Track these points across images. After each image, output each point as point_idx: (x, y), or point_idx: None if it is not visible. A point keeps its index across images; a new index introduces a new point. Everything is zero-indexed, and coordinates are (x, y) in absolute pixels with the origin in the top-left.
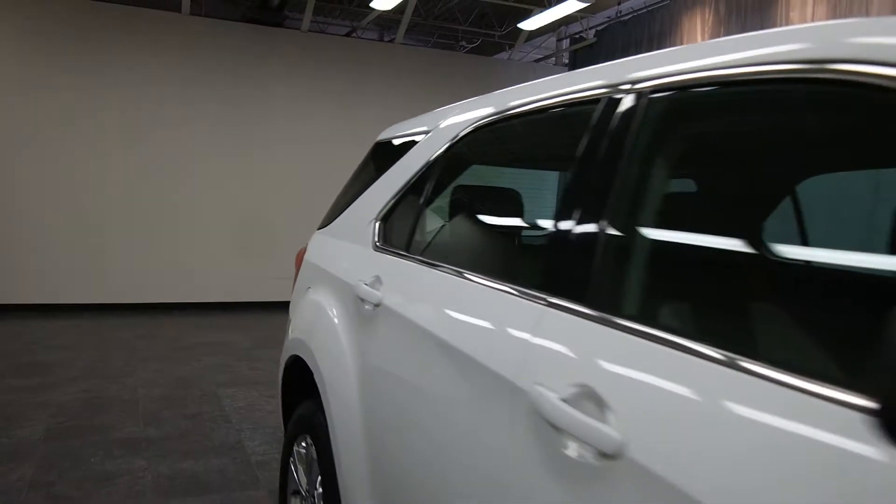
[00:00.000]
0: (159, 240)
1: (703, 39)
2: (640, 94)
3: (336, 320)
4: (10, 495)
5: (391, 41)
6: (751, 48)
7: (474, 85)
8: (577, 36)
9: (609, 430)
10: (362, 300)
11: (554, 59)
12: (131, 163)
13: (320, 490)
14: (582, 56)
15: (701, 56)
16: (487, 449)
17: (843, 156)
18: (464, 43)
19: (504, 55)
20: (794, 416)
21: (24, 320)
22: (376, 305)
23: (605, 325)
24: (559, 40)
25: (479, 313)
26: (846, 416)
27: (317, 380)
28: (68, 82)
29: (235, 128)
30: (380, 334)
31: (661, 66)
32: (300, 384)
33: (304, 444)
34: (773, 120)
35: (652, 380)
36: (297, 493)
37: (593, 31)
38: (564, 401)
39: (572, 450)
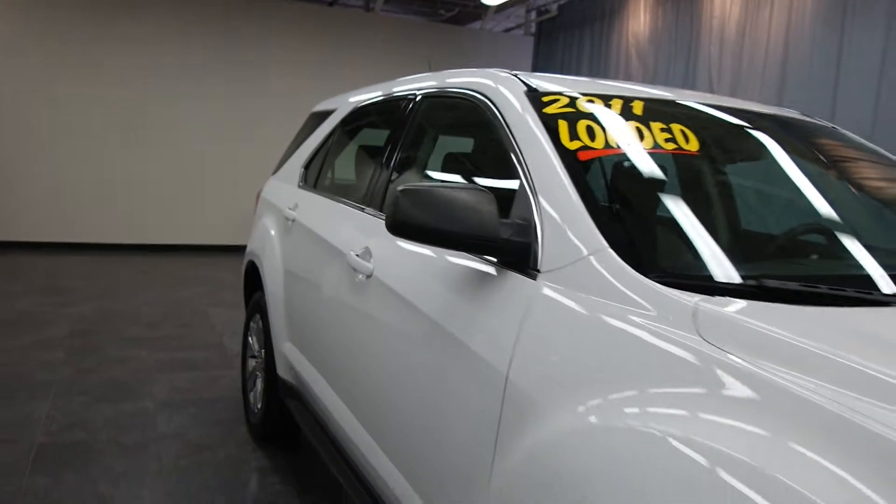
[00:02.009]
0: (157, 187)
1: (643, 19)
2: (425, 96)
3: (273, 234)
4: (50, 368)
5: (373, 10)
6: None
7: (447, 53)
8: (543, 8)
9: (370, 265)
10: (286, 219)
11: (522, 29)
12: (134, 115)
13: (262, 353)
14: (546, 27)
15: (433, 80)
16: (333, 283)
17: (457, 130)
18: (442, 11)
19: (477, 24)
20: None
21: (41, 255)
22: (293, 221)
23: (378, 218)
24: (528, 11)
25: (340, 220)
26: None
27: (261, 275)
28: (61, 33)
29: (227, 88)
30: (294, 239)
31: (428, 81)
32: (254, 281)
33: (255, 321)
34: (442, 112)
35: (385, 242)
36: (253, 357)
37: (556, 4)
38: (357, 255)
39: (358, 276)
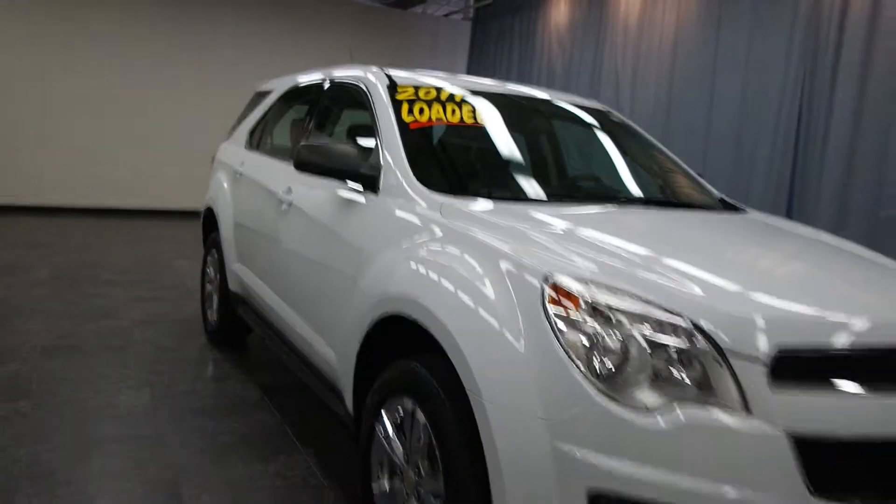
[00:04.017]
0: (119, 154)
1: (563, 9)
2: (330, 83)
3: (226, 185)
4: (38, 301)
5: None
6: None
7: (388, 36)
8: None
9: (291, 197)
10: (236, 172)
11: (462, 14)
12: (105, 84)
13: (217, 277)
14: (483, 13)
15: (337, 71)
16: (267, 213)
17: (349, 107)
18: None
19: (419, 8)
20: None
21: (17, 217)
22: (241, 174)
23: (289, 165)
24: None
25: (273, 171)
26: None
27: (217, 216)
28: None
29: (185, 66)
30: (241, 187)
31: (334, 72)
32: (211, 223)
33: (212, 254)
34: (340, 95)
35: (300, 182)
36: (210, 282)
37: None
38: (284, 193)
39: (283, 206)
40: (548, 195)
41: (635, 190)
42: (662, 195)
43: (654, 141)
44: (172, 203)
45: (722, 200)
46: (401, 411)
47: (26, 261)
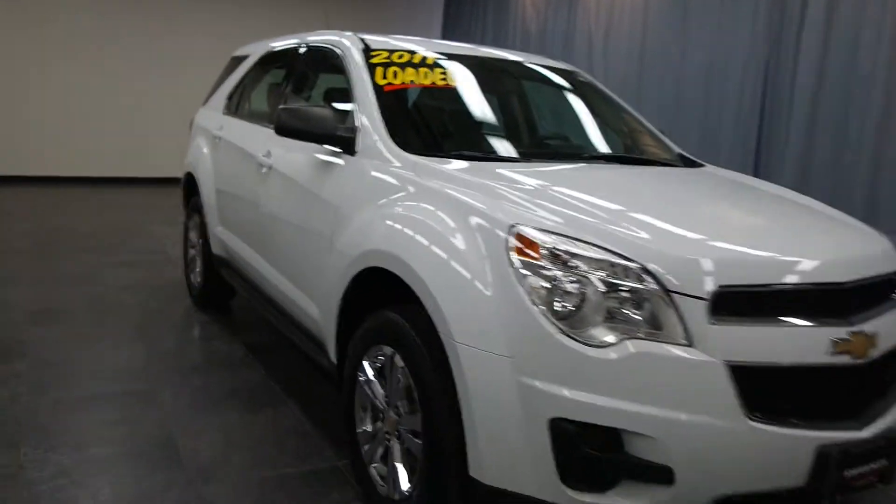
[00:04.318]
0: (97, 122)
1: None
2: (306, 48)
3: (205, 150)
4: (18, 269)
5: None
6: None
7: (364, 2)
8: None
9: (271, 161)
10: (215, 137)
11: None
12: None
13: (200, 241)
14: None
15: (313, 35)
16: (248, 177)
17: (326, 71)
18: None
19: None
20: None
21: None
22: (220, 139)
23: (269, 128)
24: None
25: (253, 135)
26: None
27: (197, 181)
28: None
29: (159, 22)
30: (220, 151)
31: (310, 36)
32: (191, 188)
33: (193, 219)
34: (317, 59)
35: (279, 145)
36: (192, 247)
37: None
38: (262, 156)
39: (263, 169)
40: (517, 153)
41: (600, 147)
42: (626, 152)
43: (620, 101)
44: (149, 171)
45: (682, 156)
46: (381, 358)
47: (4, 230)
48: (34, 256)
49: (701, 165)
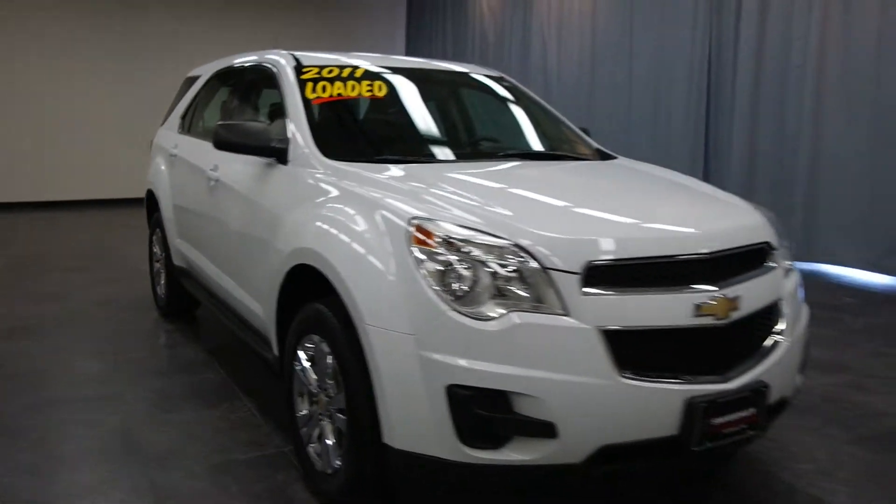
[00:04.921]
0: (68, 147)
1: None
2: (248, 67)
3: (163, 168)
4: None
5: None
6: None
7: (327, 17)
8: None
9: (217, 174)
10: (171, 155)
11: None
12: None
13: (163, 254)
14: None
15: (241, 58)
16: (200, 190)
17: (266, 87)
18: None
19: None
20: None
21: None
22: (175, 156)
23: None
24: None
25: (203, 151)
26: None
27: (157, 197)
28: None
29: (120, 44)
30: (176, 168)
31: (254, 57)
32: (153, 204)
33: (156, 233)
34: (258, 77)
35: (224, 160)
36: (157, 260)
37: None
38: (210, 170)
39: (211, 182)
40: (433, 156)
41: (518, 146)
42: (545, 150)
43: (543, 103)
44: (119, 192)
45: (599, 151)
46: (311, 346)
47: None
48: (9, 278)
49: (613, 158)
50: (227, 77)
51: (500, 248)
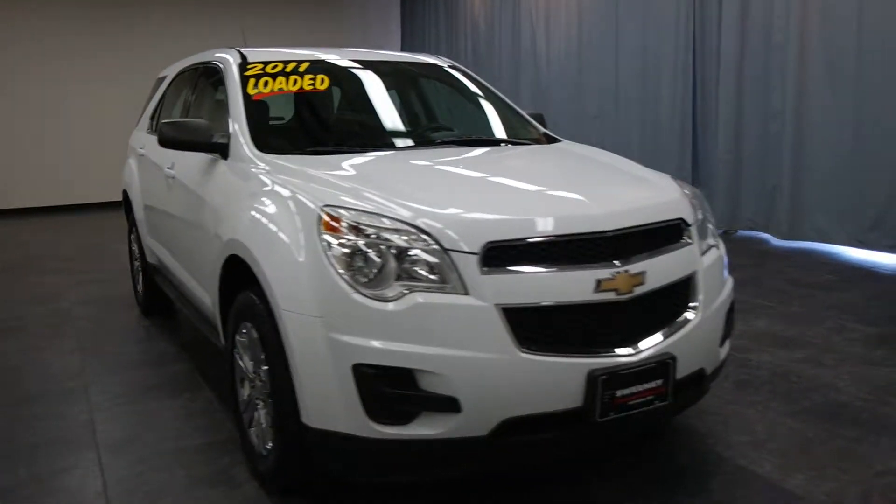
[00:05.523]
0: (57, 151)
1: None
2: (203, 65)
3: (134, 168)
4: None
5: None
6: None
7: (322, 16)
8: None
9: (174, 171)
10: (140, 155)
11: None
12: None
13: (137, 247)
14: None
15: (199, 57)
16: (161, 187)
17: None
18: None
19: None
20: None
21: None
22: (142, 156)
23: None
24: None
25: (163, 150)
26: None
27: (130, 197)
28: None
29: (115, 47)
30: (144, 168)
31: (207, 55)
32: (128, 205)
33: (134, 232)
34: (210, 75)
35: (180, 157)
36: (136, 259)
37: None
38: (168, 168)
39: (169, 179)
40: (365, 145)
41: (452, 133)
42: (478, 135)
43: (491, 88)
44: (107, 195)
45: (546, 135)
46: (245, 333)
47: None
48: (13, 271)
49: (557, 141)
50: (188, 76)
51: (403, 231)
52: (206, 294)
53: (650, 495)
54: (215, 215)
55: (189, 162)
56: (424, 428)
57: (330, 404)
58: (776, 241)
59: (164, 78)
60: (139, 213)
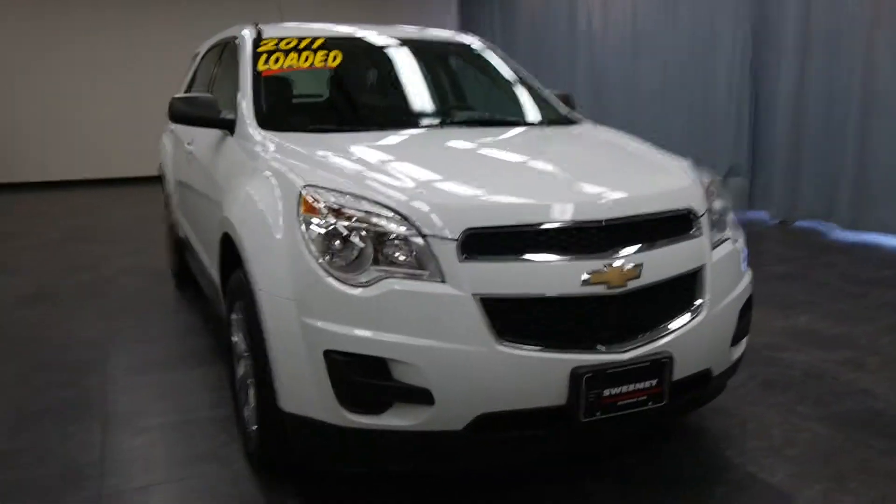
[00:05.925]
0: (115, 126)
1: None
2: (228, 41)
3: (168, 146)
4: (26, 261)
5: None
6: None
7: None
8: None
9: (192, 147)
10: (171, 132)
11: None
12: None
13: (170, 221)
14: None
15: (226, 33)
16: (185, 162)
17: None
18: None
19: None
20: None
21: (20, 194)
22: (172, 131)
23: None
24: None
25: (187, 126)
26: None
27: (164, 174)
28: None
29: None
30: (173, 144)
31: (231, 31)
32: (164, 180)
33: (167, 207)
34: (225, 53)
35: (197, 133)
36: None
37: None
38: (188, 144)
39: (189, 155)
40: (368, 125)
41: (459, 113)
42: (484, 116)
43: (516, 67)
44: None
45: (567, 116)
46: (238, 312)
47: (24, 229)
48: (54, 249)
49: (576, 123)
50: (215, 52)
51: (381, 214)
52: (214, 270)
53: (638, 502)
54: (221, 192)
55: (204, 138)
56: (397, 419)
57: (304, 390)
58: (835, 234)
59: (198, 53)
60: (170, 188)
